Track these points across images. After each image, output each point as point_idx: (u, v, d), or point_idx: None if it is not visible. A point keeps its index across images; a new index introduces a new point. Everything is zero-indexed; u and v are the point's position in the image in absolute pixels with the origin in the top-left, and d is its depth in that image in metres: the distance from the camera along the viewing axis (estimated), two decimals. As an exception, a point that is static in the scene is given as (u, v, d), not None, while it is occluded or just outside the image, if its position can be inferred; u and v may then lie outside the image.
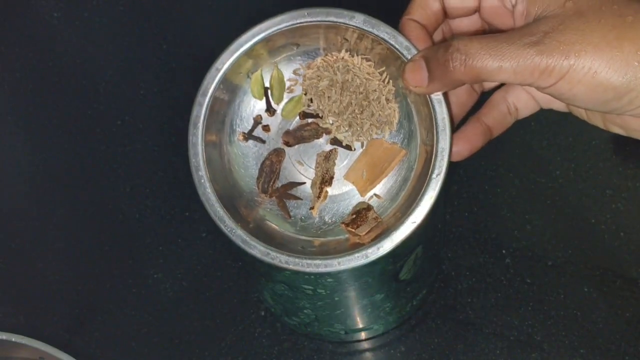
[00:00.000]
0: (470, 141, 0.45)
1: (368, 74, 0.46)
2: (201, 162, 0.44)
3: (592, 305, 0.60)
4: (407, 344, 0.61)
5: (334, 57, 0.47)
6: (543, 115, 0.66)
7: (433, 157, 0.43)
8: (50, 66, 0.76)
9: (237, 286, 0.64)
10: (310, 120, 0.48)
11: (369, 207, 0.47)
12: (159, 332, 0.63)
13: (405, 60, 0.44)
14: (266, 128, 0.48)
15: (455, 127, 0.45)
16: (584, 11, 0.39)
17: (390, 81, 0.46)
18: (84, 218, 0.69)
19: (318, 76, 0.47)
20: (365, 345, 0.61)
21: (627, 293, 0.60)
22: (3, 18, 0.78)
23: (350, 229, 0.46)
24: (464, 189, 0.65)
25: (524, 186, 0.65)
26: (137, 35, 0.77)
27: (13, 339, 0.56)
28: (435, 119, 0.43)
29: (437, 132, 0.43)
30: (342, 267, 0.43)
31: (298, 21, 0.44)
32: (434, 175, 0.43)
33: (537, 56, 0.38)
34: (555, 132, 0.66)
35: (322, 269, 0.43)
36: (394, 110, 0.46)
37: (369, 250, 0.43)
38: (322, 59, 0.47)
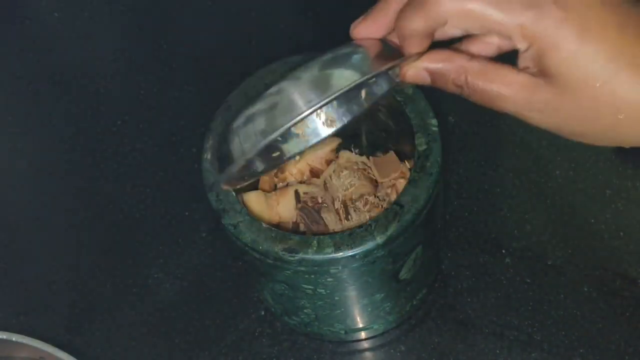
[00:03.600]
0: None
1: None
2: None
3: (592, 305, 0.60)
4: (407, 343, 0.60)
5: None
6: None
7: None
8: (50, 66, 0.76)
9: (237, 286, 0.64)
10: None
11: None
12: (159, 332, 0.63)
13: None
14: None
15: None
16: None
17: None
18: (84, 218, 0.69)
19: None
20: (365, 345, 0.61)
21: (627, 293, 0.60)
22: (3, 18, 0.78)
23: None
24: (464, 189, 0.65)
25: (524, 186, 0.65)
26: (137, 35, 0.77)
27: (13, 339, 0.56)
28: None
29: None
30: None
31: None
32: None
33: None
34: (555, 132, 0.66)
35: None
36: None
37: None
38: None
